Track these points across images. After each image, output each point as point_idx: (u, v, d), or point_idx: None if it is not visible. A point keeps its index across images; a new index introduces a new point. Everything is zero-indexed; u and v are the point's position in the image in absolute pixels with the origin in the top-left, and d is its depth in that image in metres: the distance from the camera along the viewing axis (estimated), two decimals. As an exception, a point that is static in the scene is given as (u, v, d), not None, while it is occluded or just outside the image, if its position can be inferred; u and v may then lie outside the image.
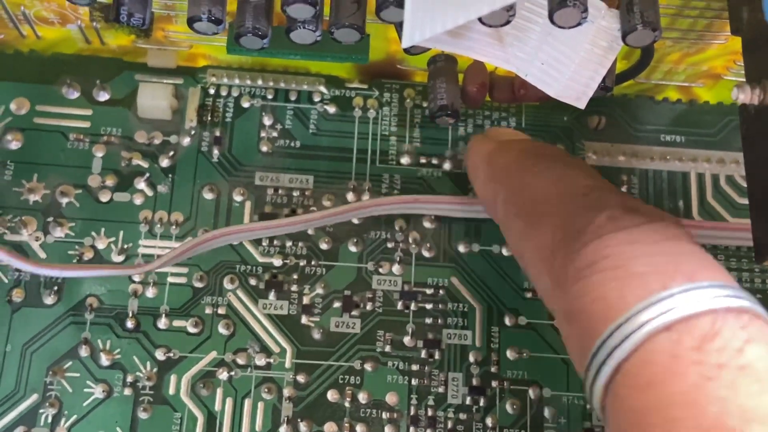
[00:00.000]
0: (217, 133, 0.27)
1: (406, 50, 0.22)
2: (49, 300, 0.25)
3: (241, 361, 0.25)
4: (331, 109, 0.28)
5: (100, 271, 0.25)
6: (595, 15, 0.21)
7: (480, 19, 0.19)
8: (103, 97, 0.27)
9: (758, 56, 0.20)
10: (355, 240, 0.26)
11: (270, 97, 0.28)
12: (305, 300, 0.26)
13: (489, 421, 0.25)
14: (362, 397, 0.25)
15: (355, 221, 0.26)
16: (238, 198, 0.27)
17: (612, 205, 0.19)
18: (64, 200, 0.26)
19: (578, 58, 0.22)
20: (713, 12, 0.24)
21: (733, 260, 0.27)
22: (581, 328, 0.18)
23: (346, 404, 0.25)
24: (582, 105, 0.23)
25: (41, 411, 0.24)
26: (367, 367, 0.25)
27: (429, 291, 0.26)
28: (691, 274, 0.17)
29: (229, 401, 0.24)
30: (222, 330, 0.25)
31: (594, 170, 0.22)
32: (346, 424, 0.24)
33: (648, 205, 0.20)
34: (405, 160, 0.28)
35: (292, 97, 0.28)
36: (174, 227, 0.26)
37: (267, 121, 0.28)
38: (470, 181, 0.25)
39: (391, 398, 0.25)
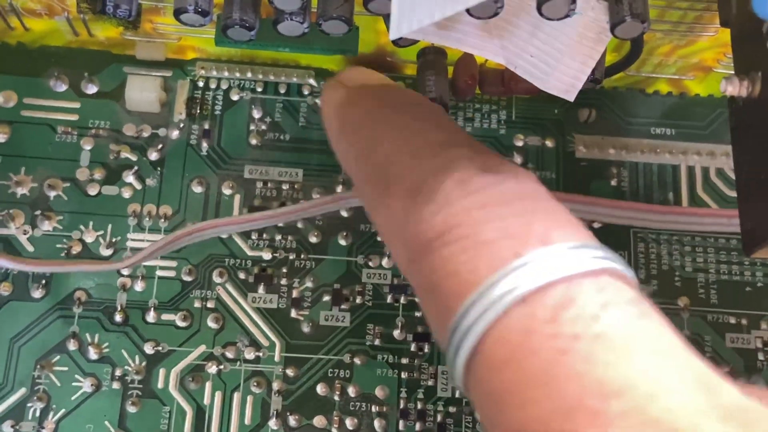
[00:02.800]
0: (206, 126, 0.27)
1: (394, 42, 0.21)
2: (37, 294, 0.25)
3: (230, 354, 0.25)
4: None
5: (71, 267, 0.24)
6: (584, 7, 0.21)
7: (468, 11, 0.19)
8: (92, 89, 0.27)
9: (747, 48, 0.20)
10: (344, 233, 0.26)
11: (259, 89, 0.28)
12: (294, 293, 0.26)
13: (479, 415, 0.25)
14: (352, 391, 0.25)
15: (344, 214, 0.26)
16: (227, 191, 0.26)
17: (462, 166, 0.17)
18: (52, 193, 0.26)
19: (567, 50, 0.22)
20: (703, 4, 0.24)
21: (723, 253, 0.27)
22: (437, 305, 0.17)
23: (336, 398, 0.25)
24: (571, 97, 0.23)
25: (29, 405, 0.24)
26: (357, 360, 0.25)
27: (419, 284, 0.26)
28: (544, 236, 0.16)
29: (218, 395, 0.24)
30: (211, 324, 0.25)
31: (448, 120, 0.21)
32: (336, 418, 0.24)
33: (504, 159, 0.18)
34: (395, 153, 0.27)
35: (282, 90, 0.28)
36: (163, 220, 0.26)
37: (256, 113, 0.27)
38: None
39: (380, 392, 0.25)
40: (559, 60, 0.22)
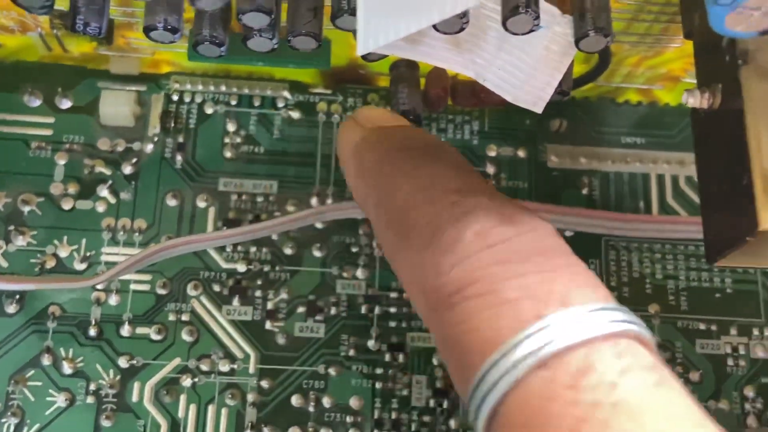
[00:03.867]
0: (181, 140, 0.27)
1: (363, 57, 0.22)
2: (10, 309, 0.25)
3: (204, 367, 0.25)
4: (296, 115, 0.28)
5: (47, 284, 0.25)
6: (549, 21, 0.21)
7: (435, 26, 0.19)
8: (66, 104, 0.27)
9: (708, 60, 0.20)
10: (318, 245, 0.26)
11: (234, 103, 0.28)
12: (269, 305, 0.26)
13: (453, 424, 0.25)
14: (326, 402, 0.25)
15: (319, 226, 0.27)
16: (201, 204, 0.27)
17: (480, 217, 0.18)
18: (26, 208, 0.26)
19: (534, 63, 0.22)
20: (667, 16, 0.24)
21: (692, 260, 0.27)
22: (459, 359, 0.17)
23: (310, 409, 0.25)
24: (539, 110, 0.23)
25: (3, 420, 0.24)
26: (331, 371, 0.25)
27: (393, 294, 0.26)
28: (564, 296, 0.16)
29: (192, 408, 0.24)
30: (185, 336, 0.25)
31: (465, 164, 0.20)
32: (311, 429, 0.24)
33: (522, 210, 0.18)
34: (369, 164, 0.28)
35: (256, 103, 0.28)
36: (137, 234, 0.26)
37: (231, 127, 0.28)
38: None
39: (355, 402, 0.25)
40: (527, 73, 0.22)
